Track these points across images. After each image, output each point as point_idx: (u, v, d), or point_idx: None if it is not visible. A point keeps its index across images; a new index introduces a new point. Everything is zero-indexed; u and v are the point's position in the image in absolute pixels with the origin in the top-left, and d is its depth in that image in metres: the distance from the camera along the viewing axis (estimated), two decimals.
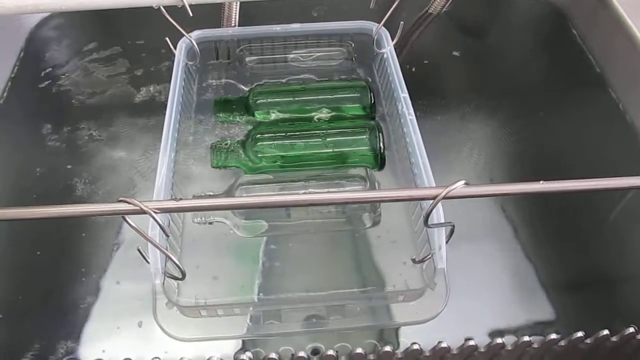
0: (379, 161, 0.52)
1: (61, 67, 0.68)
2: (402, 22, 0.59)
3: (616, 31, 0.63)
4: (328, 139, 0.53)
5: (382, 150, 0.52)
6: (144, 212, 0.37)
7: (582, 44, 0.70)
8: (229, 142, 0.55)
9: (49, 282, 0.49)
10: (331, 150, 0.52)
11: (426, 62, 0.69)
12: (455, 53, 0.71)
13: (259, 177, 0.53)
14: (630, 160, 0.58)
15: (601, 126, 0.62)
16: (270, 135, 0.54)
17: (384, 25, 0.61)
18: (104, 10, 0.58)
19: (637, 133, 0.60)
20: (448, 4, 0.71)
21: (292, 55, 0.65)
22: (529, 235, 0.53)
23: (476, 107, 0.64)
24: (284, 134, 0.54)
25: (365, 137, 0.53)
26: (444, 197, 0.37)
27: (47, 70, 0.67)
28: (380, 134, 0.52)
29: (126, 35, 0.71)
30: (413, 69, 0.67)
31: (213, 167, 0.54)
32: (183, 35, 0.59)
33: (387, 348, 0.40)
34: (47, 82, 0.66)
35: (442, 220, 0.43)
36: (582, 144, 0.60)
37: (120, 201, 0.37)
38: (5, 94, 0.64)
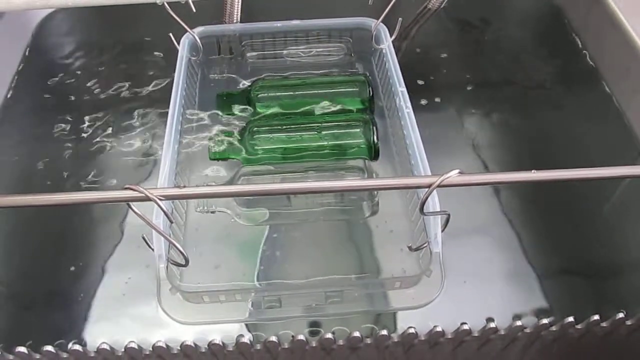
0: (373, 152, 0.54)
1: (67, 62, 0.69)
2: (400, 18, 0.61)
3: (609, 26, 0.64)
4: (323, 132, 0.54)
5: (375, 142, 0.53)
6: (149, 199, 0.38)
7: (577, 39, 0.71)
8: (227, 134, 0.56)
9: (54, 270, 0.51)
10: (326, 142, 0.54)
11: (424, 56, 0.70)
12: (452, 48, 0.72)
13: (260, 168, 0.55)
14: (622, 151, 0.60)
15: (595, 118, 0.64)
16: (267, 128, 0.55)
17: (383, 21, 0.62)
18: (109, 6, 0.60)
19: (628, 124, 0.61)
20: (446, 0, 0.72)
21: (292, 51, 0.66)
22: (524, 225, 0.54)
23: (473, 101, 0.65)
24: (280, 127, 0.55)
25: (359, 130, 0.54)
26: (439, 186, 0.39)
27: (53, 65, 0.69)
28: (374, 126, 0.54)
29: (130, 30, 0.73)
30: (411, 64, 0.68)
31: (211, 159, 0.55)
32: (186, 31, 0.60)
33: (384, 332, 0.41)
34: (52, 76, 0.67)
35: (438, 209, 0.44)
36: (576, 134, 0.62)
37: (126, 189, 0.38)
38: (12, 88, 0.66)
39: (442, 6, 0.72)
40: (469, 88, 0.67)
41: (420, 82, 0.66)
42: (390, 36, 0.61)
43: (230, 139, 0.55)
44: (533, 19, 0.76)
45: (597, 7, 0.66)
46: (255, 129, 0.55)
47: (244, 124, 0.57)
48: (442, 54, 0.71)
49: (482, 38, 0.74)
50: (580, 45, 0.70)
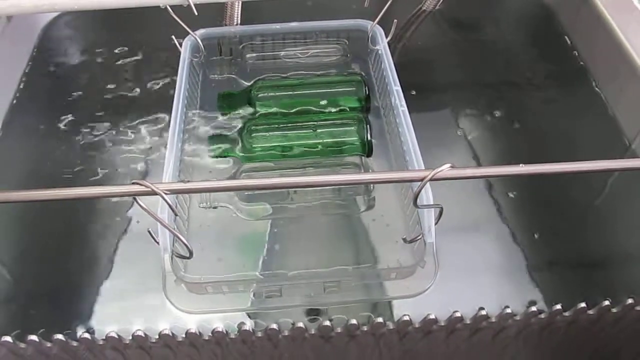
0: (367, 149, 0.56)
1: (72, 62, 0.71)
2: (395, 20, 0.62)
3: (598, 27, 0.66)
4: (319, 130, 0.56)
5: (368, 139, 0.55)
6: (155, 193, 0.39)
7: (567, 39, 0.73)
8: (226, 133, 0.58)
9: (64, 262, 0.53)
10: (321, 140, 0.56)
11: (419, 57, 0.72)
12: (446, 48, 0.74)
13: (261, 165, 0.57)
14: (610, 146, 0.62)
15: (584, 115, 0.65)
16: (264, 126, 0.57)
17: (379, 22, 0.64)
18: (114, 9, 0.62)
19: (616, 121, 0.63)
20: (440, 2, 0.74)
21: (290, 52, 0.68)
22: (515, 218, 0.55)
23: (467, 99, 0.67)
24: (277, 125, 0.57)
25: (353, 128, 0.56)
26: (431, 179, 0.41)
27: (59, 65, 0.71)
28: (367, 124, 0.56)
29: (133, 32, 0.75)
30: (406, 64, 0.69)
31: (211, 157, 0.57)
32: (188, 33, 0.62)
33: (379, 319, 0.43)
34: (58, 77, 0.69)
35: (431, 202, 0.46)
36: (566, 131, 0.64)
37: (133, 183, 0.40)
38: (20, 87, 0.68)
39: (436, 8, 0.74)
40: (462, 87, 0.69)
41: (415, 81, 0.68)
42: (386, 37, 0.63)
43: (230, 137, 0.57)
44: (525, 20, 0.78)
45: (586, 9, 0.69)
46: (253, 127, 0.57)
47: (244, 123, 0.59)
48: (437, 54, 0.73)
49: (476, 38, 0.76)
50: (570, 46, 0.72)
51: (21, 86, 0.68)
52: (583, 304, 0.44)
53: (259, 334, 0.43)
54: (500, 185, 0.58)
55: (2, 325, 0.48)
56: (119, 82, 0.68)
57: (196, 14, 0.60)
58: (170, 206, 0.41)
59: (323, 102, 0.60)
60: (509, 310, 0.44)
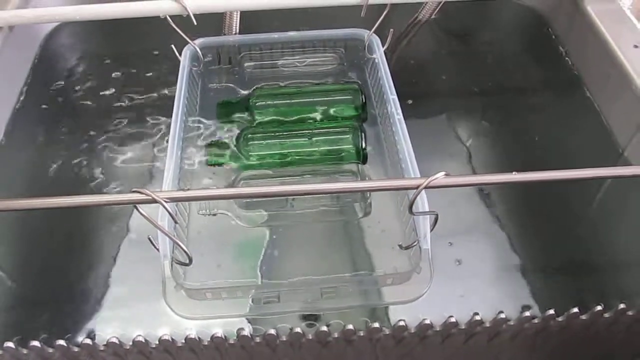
0: (362, 157, 0.57)
1: (73, 72, 0.72)
2: (391, 29, 0.63)
3: (591, 36, 0.67)
4: (314, 138, 0.57)
5: (363, 147, 0.56)
6: (156, 202, 0.40)
7: (561, 48, 0.74)
8: (224, 141, 0.59)
9: (66, 269, 0.53)
10: (317, 148, 0.57)
11: (415, 65, 0.73)
12: (442, 57, 0.75)
13: (259, 172, 0.57)
14: (603, 153, 0.63)
15: (577, 122, 0.66)
16: (261, 134, 0.58)
17: (375, 32, 0.65)
18: (114, 19, 0.63)
19: (609, 128, 0.64)
20: (436, 11, 0.75)
21: (288, 61, 0.69)
22: (509, 224, 0.56)
23: (462, 107, 0.68)
24: (273, 133, 0.58)
25: (348, 136, 0.57)
26: (426, 187, 0.42)
27: (60, 74, 0.72)
28: (362, 133, 0.57)
29: (134, 42, 0.76)
30: (402, 72, 0.70)
31: (208, 164, 0.58)
32: (188, 42, 0.63)
33: (375, 324, 0.44)
34: (59, 85, 0.70)
35: (427, 210, 0.47)
36: (560, 138, 0.64)
37: (134, 192, 0.41)
38: (22, 96, 0.68)
39: (431, 17, 0.75)
40: (457, 95, 0.70)
41: (411, 89, 0.69)
42: (382, 46, 0.64)
43: (227, 145, 0.58)
44: (519, 29, 0.79)
45: (579, 18, 0.70)
46: (250, 135, 0.58)
47: (241, 131, 0.60)
48: (432, 63, 0.74)
49: (471, 47, 0.77)
50: (563, 54, 0.73)
51: (23, 94, 0.69)
52: (576, 309, 0.45)
53: (258, 339, 0.44)
54: (496, 191, 0.59)
55: (4, 331, 0.49)
56: (119, 90, 0.69)
57: (195, 23, 0.61)
58: (170, 214, 0.42)
59: (320, 111, 0.61)
60: (503, 316, 0.45)
